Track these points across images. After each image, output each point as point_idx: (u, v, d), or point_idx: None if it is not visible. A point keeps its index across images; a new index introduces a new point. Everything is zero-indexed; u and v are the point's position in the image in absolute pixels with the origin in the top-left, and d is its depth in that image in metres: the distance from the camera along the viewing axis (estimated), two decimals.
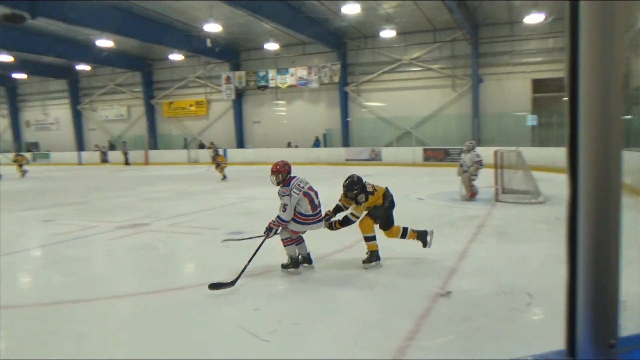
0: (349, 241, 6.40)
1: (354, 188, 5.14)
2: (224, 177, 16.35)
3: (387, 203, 5.23)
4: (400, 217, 5.63)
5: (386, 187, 5.37)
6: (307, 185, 5.08)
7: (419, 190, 11.93)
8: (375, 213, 5.20)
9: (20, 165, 21.48)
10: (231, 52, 27.76)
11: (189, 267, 5.89)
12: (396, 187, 7.15)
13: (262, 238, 5.01)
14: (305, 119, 27.37)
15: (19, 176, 20.68)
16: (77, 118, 33.81)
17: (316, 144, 26.74)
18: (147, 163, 29.30)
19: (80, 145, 33.65)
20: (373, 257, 5.19)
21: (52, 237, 7.39)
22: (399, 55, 24.75)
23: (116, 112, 32.67)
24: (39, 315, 4.14)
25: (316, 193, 5.13)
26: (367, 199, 5.12)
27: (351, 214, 5.14)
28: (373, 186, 5.31)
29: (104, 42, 22.98)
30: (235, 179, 17.05)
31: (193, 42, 24.22)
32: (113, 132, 33.07)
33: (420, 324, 3.63)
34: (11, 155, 21.70)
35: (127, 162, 28.98)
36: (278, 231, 5.02)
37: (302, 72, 26.11)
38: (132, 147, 30.98)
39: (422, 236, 5.41)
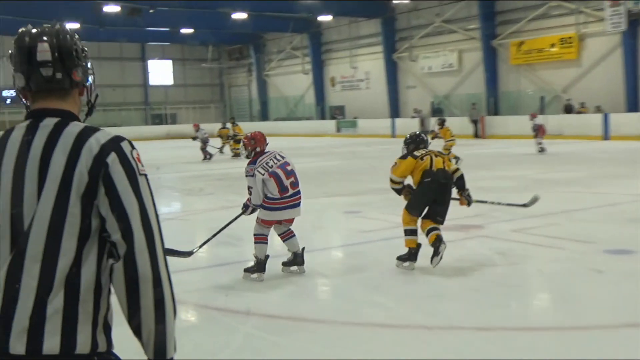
0: None
1: (405, 141, 6.75)
2: (457, 158, 15.74)
3: (427, 182, 6.26)
4: None
5: (440, 169, 6.29)
6: (279, 164, 6.21)
7: None
8: (416, 191, 6.44)
9: (236, 140, 23.45)
10: None
11: (540, 299, 5.87)
12: None
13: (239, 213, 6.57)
14: None
15: (231, 155, 23.11)
16: (392, 71, 37.65)
17: None
18: (481, 135, 30.40)
19: (394, 110, 37.39)
20: (405, 255, 6.42)
21: (356, 235, 8.47)
22: None
23: (442, 61, 34.92)
24: (344, 337, 4.85)
25: (287, 173, 6.20)
26: (403, 157, 6.51)
27: (390, 179, 6.60)
28: (428, 156, 6.40)
29: None
30: (622, 163, 16.03)
31: None
32: (437, 89, 35.54)
33: None
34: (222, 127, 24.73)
35: (476, 134, 30.30)
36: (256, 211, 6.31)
37: None
38: (463, 111, 32.57)
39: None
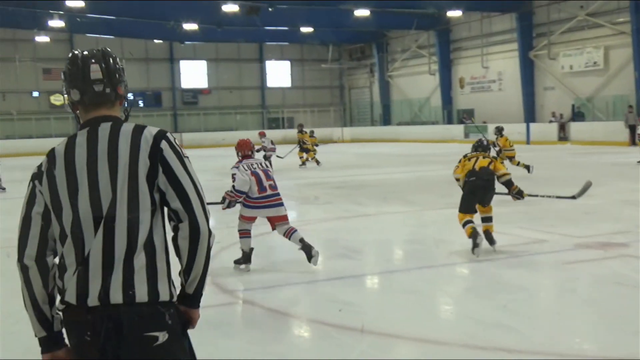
0: None
1: (473, 145, 8.63)
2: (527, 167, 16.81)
3: (472, 182, 7.94)
4: None
5: (478, 167, 7.96)
6: (261, 168, 7.54)
7: None
8: (463, 193, 8.08)
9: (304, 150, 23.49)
10: None
11: None
12: None
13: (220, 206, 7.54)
14: None
15: (301, 163, 22.97)
16: (527, 71, 36.74)
17: None
18: (634, 142, 29.04)
19: (530, 114, 36.47)
20: (472, 244, 7.71)
21: (485, 251, 8.36)
22: None
23: (586, 59, 33.70)
24: None
25: (267, 176, 7.48)
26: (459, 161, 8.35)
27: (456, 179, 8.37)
28: (475, 157, 8.17)
29: None
30: None
31: None
32: (579, 90, 34.33)
33: None
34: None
35: (633, 141, 28.99)
36: (232, 205, 7.55)
37: None
38: (609, 115, 31.22)
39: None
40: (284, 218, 7.52)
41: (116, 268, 2.18)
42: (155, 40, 46.42)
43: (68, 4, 31.08)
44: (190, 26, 38.09)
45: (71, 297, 2.20)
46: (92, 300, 2.16)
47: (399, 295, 6.60)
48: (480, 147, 8.43)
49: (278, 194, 7.52)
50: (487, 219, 8.20)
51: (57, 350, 2.33)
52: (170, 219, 2.33)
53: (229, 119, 47.67)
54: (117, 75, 2.41)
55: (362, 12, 36.21)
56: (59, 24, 36.05)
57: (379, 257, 8.76)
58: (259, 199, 7.37)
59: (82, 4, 31.01)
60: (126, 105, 2.53)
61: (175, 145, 2.35)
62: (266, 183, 7.40)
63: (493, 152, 11.23)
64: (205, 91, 49.48)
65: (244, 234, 7.51)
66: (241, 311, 6.37)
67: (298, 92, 52.04)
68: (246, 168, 7.42)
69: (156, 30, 41.38)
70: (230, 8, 33.79)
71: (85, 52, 2.41)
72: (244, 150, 7.80)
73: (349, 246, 9.09)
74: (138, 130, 2.32)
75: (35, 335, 2.35)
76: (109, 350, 2.16)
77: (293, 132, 27.01)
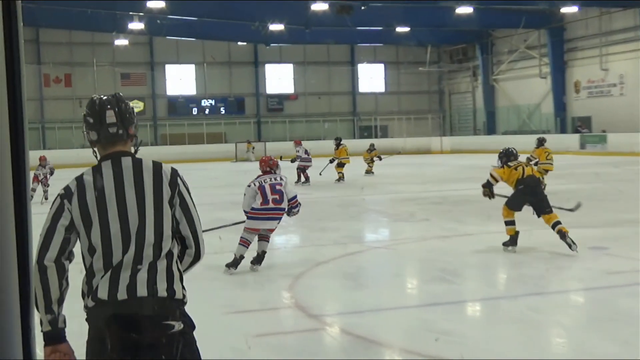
0: None
1: (499, 155, 9.77)
2: None
3: (521, 189, 9.36)
4: None
5: (529, 175, 9.38)
6: (271, 182, 8.58)
7: None
8: (513, 194, 9.53)
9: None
10: None
11: None
12: None
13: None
14: None
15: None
16: None
17: None
18: None
19: None
20: (508, 241, 9.47)
21: (601, 277, 8.14)
22: None
23: None
24: None
25: (273, 190, 8.51)
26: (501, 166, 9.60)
27: (490, 174, 9.59)
28: (520, 166, 9.46)
29: None
30: None
31: None
32: None
33: None
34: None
35: None
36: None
37: None
38: None
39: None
40: (272, 230, 8.77)
41: (142, 270, 2.86)
42: (239, 43, 47.29)
43: (148, 4, 32.11)
44: (276, 27, 38.63)
45: (103, 294, 2.82)
46: (122, 294, 2.80)
47: (503, 325, 6.49)
48: (513, 156, 9.61)
49: (280, 209, 8.58)
50: (556, 224, 9.11)
51: (58, 344, 2.81)
52: (176, 242, 3.03)
53: (315, 127, 47.96)
54: (128, 118, 3.07)
55: (464, 10, 35.94)
56: (138, 26, 37.25)
57: (481, 281, 8.64)
58: (260, 210, 8.45)
59: (162, 5, 31.96)
60: (136, 141, 3.18)
61: (185, 182, 3.11)
62: (270, 197, 8.49)
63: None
64: (292, 97, 50.04)
65: (244, 242, 8.57)
66: (327, 338, 6.38)
67: (392, 98, 51.93)
68: (256, 183, 8.60)
69: (240, 31, 42.09)
70: (319, 7, 34.18)
71: (103, 98, 3.08)
72: (263, 167, 8.94)
73: (448, 269, 9.00)
74: (157, 165, 3.05)
75: (42, 330, 2.77)
76: (138, 335, 2.77)
77: (385, 142, 27.11)
